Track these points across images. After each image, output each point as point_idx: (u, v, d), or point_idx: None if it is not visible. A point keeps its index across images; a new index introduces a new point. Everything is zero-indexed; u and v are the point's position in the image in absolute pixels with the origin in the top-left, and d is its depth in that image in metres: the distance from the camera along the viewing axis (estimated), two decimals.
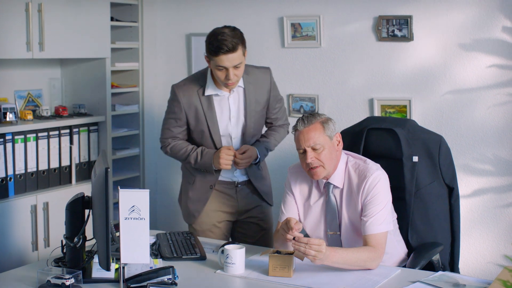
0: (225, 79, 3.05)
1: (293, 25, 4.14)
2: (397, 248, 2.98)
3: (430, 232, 3.09)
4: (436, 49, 3.75)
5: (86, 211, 2.66)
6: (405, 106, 3.81)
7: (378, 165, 2.81)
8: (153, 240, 3.05)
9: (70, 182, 4.15)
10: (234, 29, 3.05)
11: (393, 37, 3.84)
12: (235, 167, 3.23)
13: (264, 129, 3.44)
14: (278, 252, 2.68)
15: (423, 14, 3.76)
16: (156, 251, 2.95)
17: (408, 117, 3.80)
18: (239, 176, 3.34)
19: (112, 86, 4.36)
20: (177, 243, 3.07)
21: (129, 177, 4.60)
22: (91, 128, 4.23)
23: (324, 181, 2.83)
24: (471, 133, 3.71)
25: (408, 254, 3.01)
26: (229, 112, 3.22)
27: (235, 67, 3.03)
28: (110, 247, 2.36)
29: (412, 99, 3.80)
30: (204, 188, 3.34)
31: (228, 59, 3.00)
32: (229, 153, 3.16)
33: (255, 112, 3.26)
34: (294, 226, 2.61)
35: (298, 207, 2.92)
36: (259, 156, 3.26)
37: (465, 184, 3.70)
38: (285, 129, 3.44)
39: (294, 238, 2.58)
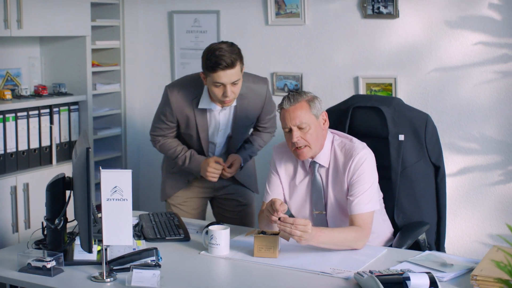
0: (222, 96, 2.99)
1: (276, 2, 4.10)
2: (383, 227, 2.97)
3: (416, 212, 3.09)
4: (422, 26, 3.72)
5: (67, 192, 2.61)
6: (390, 84, 3.79)
7: (364, 144, 2.78)
8: (136, 221, 3.02)
9: (51, 162, 4.10)
10: (232, 45, 3.00)
11: (378, 14, 3.81)
12: (222, 177, 3.25)
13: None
14: (263, 232, 2.65)
15: None
16: (139, 232, 2.92)
17: (393, 95, 3.79)
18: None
19: (93, 65, 4.30)
20: (160, 224, 3.03)
21: (110, 157, 4.55)
22: (72, 107, 4.17)
23: (310, 160, 2.80)
24: (457, 111, 3.69)
25: (394, 234, 3.00)
26: (218, 125, 3.20)
27: (233, 83, 2.97)
28: (92, 229, 2.32)
29: (398, 77, 3.79)
30: (182, 179, 3.36)
31: (226, 75, 2.94)
32: (217, 167, 3.18)
33: (244, 127, 3.26)
34: (279, 208, 2.58)
35: (283, 186, 2.89)
36: (242, 164, 3.28)
37: (451, 163, 3.69)
38: (271, 134, 3.43)
39: (279, 219, 2.55)
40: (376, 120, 3.07)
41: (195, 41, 4.40)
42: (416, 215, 3.08)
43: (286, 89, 4.14)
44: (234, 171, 3.24)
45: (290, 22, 4.08)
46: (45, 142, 4.06)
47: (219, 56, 2.91)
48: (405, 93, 3.77)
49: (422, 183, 3.09)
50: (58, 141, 4.10)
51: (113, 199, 2.35)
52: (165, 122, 3.23)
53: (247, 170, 3.41)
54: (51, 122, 4.05)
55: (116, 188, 2.34)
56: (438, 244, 3.18)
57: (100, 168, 2.34)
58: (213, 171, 3.17)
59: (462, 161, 3.71)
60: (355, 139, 2.80)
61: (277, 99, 4.02)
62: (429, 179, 3.12)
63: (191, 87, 3.16)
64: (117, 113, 4.58)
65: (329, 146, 2.79)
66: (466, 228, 3.76)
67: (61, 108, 4.10)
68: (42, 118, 4.01)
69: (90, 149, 2.30)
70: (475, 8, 3.60)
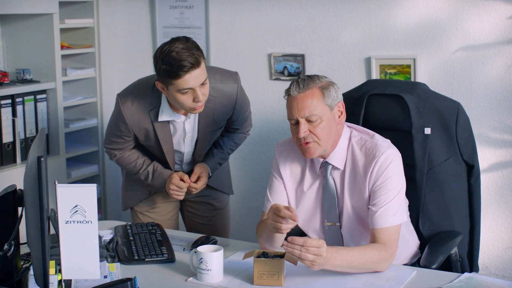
0: (193, 102, 2.67)
1: None
2: (409, 240, 2.66)
3: (445, 219, 2.83)
4: None
5: (20, 209, 2.19)
6: (408, 66, 3.53)
7: (389, 141, 2.47)
8: (110, 237, 2.70)
9: (15, 161, 3.83)
10: (187, 40, 2.65)
11: None
12: (189, 192, 3.02)
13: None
14: (264, 254, 2.31)
15: None
16: (113, 251, 2.57)
17: (412, 78, 3.52)
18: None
19: (62, 47, 4.05)
20: (139, 239, 2.70)
21: (85, 152, 4.28)
22: (39, 97, 3.92)
23: (321, 160, 2.48)
24: (488, 97, 3.41)
25: (420, 246, 2.73)
26: (183, 135, 2.94)
27: (202, 84, 2.66)
28: (47, 261, 1.93)
29: (417, 57, 3.51)
30: (140, 191, 3.14)
31: (193, 77, 2.61)
32: (181, 186, 2.94)
33: (212, 133, 2.98)
34: (286, 214, 2.26)
35: (288, 193, 2.57)
36: (211, 174, 3.06)
37: (481, 157, 3.32)
38: (246, 134, 3.19)
39: (286, 239, 2.18)
40: (396, 111, 2.81)
41: (180, 18, 4.14)
42: (445, 223, 2.82)
43: (286, 73, 3.85)
44: (202, 186, 3.00)
45: None
46: (7, 138, 3.80)
47: (179, 57, 2.59)
48: (426, 76, 3.50)
49: (452, 185, 2.83)
50: (22, 136, 3.86)
51: (74, 222, 1.97)
52: (120, 137, 2.94)
53: (220, 172, 3.16)
54: (14, 114, 3.80)
55: (77, 207, 1.97)
56: (471, 256, 2.92)
57: (56, 183, 1.94)
58: (176, 188, 2.93)
59: (494, 155, 3.43)
60: (377, 136, 2.49)
61: (275, 85, 3.86)
62: (460, 180, 2.86)
63: (147, 97, 2.84)
64: (92, 102, 4.31)
65: (345, 143, 2.47)
66: (498, 233, 3.48)
67: (25, 98, 3.85)
68: (2, 110, 3.74)
69: (42, 159, 1.89)
70: None
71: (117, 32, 4.37)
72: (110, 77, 4.35)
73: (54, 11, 3.86)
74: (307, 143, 2.38)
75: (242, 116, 3.04)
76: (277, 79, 3.84)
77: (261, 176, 3.95)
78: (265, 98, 3.87)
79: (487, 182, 3.43)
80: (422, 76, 3.49)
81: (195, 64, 2.59)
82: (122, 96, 2.87)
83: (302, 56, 3.79)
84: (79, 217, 1.96)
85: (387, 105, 2.83)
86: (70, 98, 4.17)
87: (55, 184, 1.94)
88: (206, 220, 3.20)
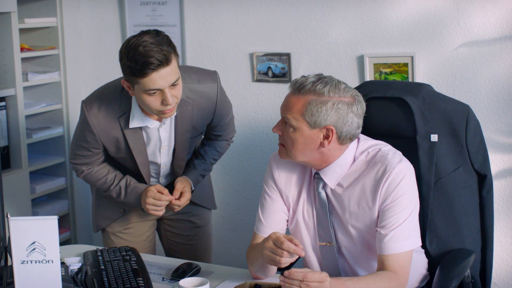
0: (161, 105, 2.47)
1: None
2: (418, 262, 2.48)
3: (455, 236, 2.68)
4: None
5: None
6: (406, 65, 3.41)
7: (400, 153, 2.29)
8: (78, 266, 2.47)
9: None
10: (158, 33, 2.45)
11: None
12: (170, 209, 2.82)
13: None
14: (257, 287, 2.10)
15: None
16: (81, 284, 2.32)
17: (409, 78, 3.39)
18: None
19: (22, 49, 3.94)
20: (111, 267, 2.46)
21: (51, 164, 4.12)
22: None
23: (314, 170, 2.31)
24: (494, 97, 3.28)
25: (429, 267, 2.57)
26: (159, 143, 2.74)
27: (172, 85, 2.46)
28: None
29: (415, 55, 3.38)
30: (114, 209, 2.94)
31: (161, 77, 2.41)
32: (160, 198, 2.72)
33: (191, 140, 2.80)
34: (290, 248, 2.05)
35: (288, 210, 2.39)
36: (193, 188, 2.86)
37: None
38: (229, 142, 3.03)
39: (282, 273, 1.98)
40: (399, 116, 2.66)
41: (152, 16, 4.03)
42: (455, 240, 2.67)
43: (270, 74, 3.69)
44: (186, 202, 2.79)
45: None
46: None
47: (146, 53, 2.38)
48: (425, 76, 3.37)
49: (462, 197, 2.68)
50: None
51: (31, 262, 1.77)
52: (87, 149, 2.73)
53: (201, 185, 2.98)
54: None
55: (35, 244, 1.74)
56: (483, 276, 2.77)
57: (8, 216, 1.68)
58: (153, 202, 2.71)
59: (502, 160, 3.30)
60: (386, 148, 2.31)
61: (258, 87, 3.72)
62: (471, 192, 2.72)
63: (115, 101, 2.64)
64: (57, 108, 4.18)
65: (347, 160, 2.28)
66: (508, 247, 3.34)
67: None
68: None
69: None
70: None
71: (83, 32, 4.25)
72: (76, 82, 4.23)
73: (12, 9, 3.73)
74: (279, 143, 2.29)
75: (224, 121, 2.86)
76: (260, 80, 3.70)
77: (244, 187, 3.79)
78: (247, 102, 3.71)
79: (494, 191, 3.20)
80: (420, 75, 3.38)
81: (164, 62, 2.39)
82: (88, 103, 2.66)
83: (288, 55, 3.65)
84: (37, 256, 1.76)
85: (388, 109, 2.68)
86: (32, 106, 4.05)
87: (7, 217, 1.67)
88: (186, 239, 3.00)
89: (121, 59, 2.46)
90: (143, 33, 2.43)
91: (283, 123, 2.22)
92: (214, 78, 2.74)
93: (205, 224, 3.05)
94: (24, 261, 1.71)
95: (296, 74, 3.50)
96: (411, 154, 2.57)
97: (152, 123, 2.63)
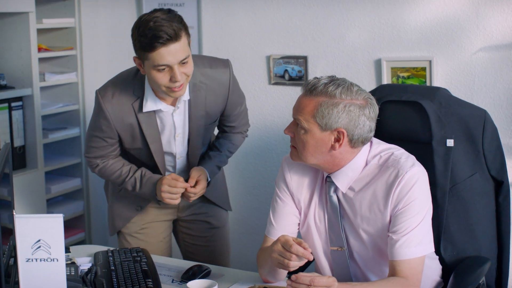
0: (169, 82, 2.49)
1: None
2: (431, 267, 2.44)
3: (470, 243, 2.65)
4: None
5: None
6: (423, 69, 3.37)
7: (413, 158, 2.25)
8: (88, 266, 2.48)
9: None
10: (169, 11, 2.48)
11: None
12: (184, 200, 2.80)
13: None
14: None
15: None
16: (91, 284, 2.31)
17: (427, 83, 3.35)
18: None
19: (40, 49, 3.93)
20: (121, 268, 2.45)
21: (67, 165, 4.13)
22: (14, 104, 3.80)
23: (325, 174, 2.29)
24: None
25: (443, 274, 2.53)
26: (173, 129, 2.73)
27: (182, 63, 2.48)
28: None
29: (433, 59, 3.35)
30: (129, 207, 2.92)
31: (170, 52, 2.43)
32: (176, 186, 2.70)
33: (204, 128, 2.78)
34: (299, 251, 2.03)
35: (299, 213, 2.36)
36: (209, 179, 2.83)
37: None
38: (243, 135, 3.02)
39: (289, 277, 1.96)
40: (414, 120, 2.64)
41: None
42: (470, 247, 2.63)
43: (286, 77, 3.67)
44: (200, 191, 2.77)
45: None
46: None
47: (156, 28, 2.41)
48: (443, 81, 3.34)
49: (478, 204, 2.65)
50: None
51: (36, 260, 1.74)
52: (102, 139, 2.73)
53: (217, 184, 2.98)
54: None
55: (40, 242, 1.74)
56: (499, 284, 2.72)
57: (14, 213, 1.68)
58: (169, 189, 2.68)
59: None
60: (399, 152, 2.27)
61: (275, 90, 3.70)
62: (487, 199, 2.68)
63: (129, 87, 2.66)
64: (73, 109, 4.18)
65: (359, 164, 2.25)
66: None
67: None
68: None
69: None
70: None
71: (101, 33, 4.25)
72: (93, 82, 4.19)
73: (30, 9, 3.74)
74: (291, 144, 2.28)
75: (237, 110, 2.86)
76: (277, 83, 3.68)
77: (259, 190, 3.77)
78: (263, 105, 3.69)
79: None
80: (439, 80, 3.34)
81: (173, 37, 2.41)
82: (101, 90, 2.69)
83: (305, 58, 3.63)
84: (42, 254, 1.74)
85: (403, 113, 2.65)
86: (49, 106, 4.05)
87: (12, 214, 1.66)
88: (204, 241, 2.98)
89: (132, 35, 2.49)
90: (155, 10, 2.47)
91: (295, 125, 2.21)
92: (226, 64, 2.76)
93: (222, 225, 3.03)
94: (29, 259, 1.71)
95: (312, 76, 3.51)
96: (426, 159, 2.55)
97: (165, 107, 2.64)
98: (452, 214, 2.61)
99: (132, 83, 2.64)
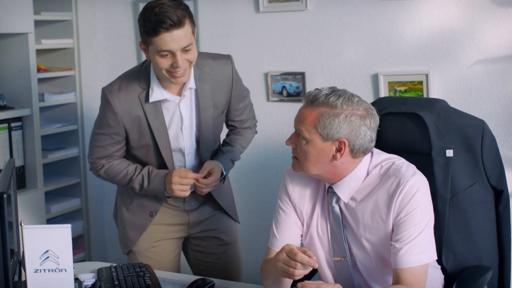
0: (171, 67, 2.54)
1: None
2: (434, 277, 2.43)
3: (471, 252, 2.64)
4: (460, 5, 3.30)
5: None
6: (420, 83, 3.39)
7: (414, 167, 2.25)
8: (92, 281, 2.47)
9: None
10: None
11: None
12: (197, 193, 2.78)
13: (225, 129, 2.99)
14: None
15: None
16: None
17: (424, 96, 3.37)
18: (191, 201, 2.89)
19: (39, 70, 3.95)
20: (125, 284, 2.43)
21: (66, 185, 4.13)
22: (13, 124, 3.80)
23: (327, 184, 2.29)
24: (510, 114, 3.25)
25: (446, 283, 2.53)
26: (180, 121, 2.73)
27: (184, 50, 2.52)
28: None
29: (430, 72, 3.37)
30: (142, 215, 2.89)
31: (173, 38, 2.48)
32: (186, 176, 2.68)
33: (213, 119, 2.78)
34: (304, 259, 2.02)
35: (302, 225, 2.36)
36: (224, 173, 2.82)
37: None
38: (253, 130, 3.01)
39: (294, 284, 1.99)
40: (414, 131, 2.64)
41: None
42: (472, 256, 2.63)
43: (284, 93, 3.69)
44: (212, 183, 2.75)
45: (288, 7, 3.67)
46: None
47: (160, 13, 2.47)
48: (440, 94, 3.36)
49: (478, 213, 2.64)
50: None
51: (45, 270, 1.76)
52: (109, 136, 2.73)
53: (227, 192, 2.96)
54: None
55: (48, 253, 1.74)
56: None
57: (22, 224, 1.67)
58: (179, 181, 2.66)
59: None
60: (401, 161, 2.28)
61: (273, 107, 3.73)
62: (487, 208, 2.68)
63: (135, 80, 2.70)
64: (72, 129, 4.19)
65: (360, 174, 2.25)
66: None
67: None
68: None
69: (5, 195, 1.61)
70: None
71: (99, 53, 4.27)
72: (91, 102, 4.21)
73: (29, 30, 3.76)
74: (293, 155, 2.28)
75: (243, 103, 2.91)
76: (275, 100, 3.69)
77: (258, 207, 3.77)
78: (262, 121, 3.70)
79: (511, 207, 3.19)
80: (435, 93, 3.35)
81: (177, 24, 2.46)
82: (108, 86, 2.74)
83: (302, 74, 3.64)
84: (51, 265, 1.75)
85: (403, 124, 2.66)
86: (48, 126, 4.06)
87: (20, 225, 1.67)
88: (215, 258, 2.95)
89: (139, 20, 2.54)
90: None
91: (297, 136, 2.22)
92: (227, 57, 2.81)
93: (234, 241, 3.00)
94: (37, 269, 1.71)
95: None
96: (426, 169, 2.52)
97: (171, 97, 2.66)
98: (453, 224, 2.60)
99: (138, 77, 2.67)
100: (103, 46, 4.25)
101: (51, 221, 3.94)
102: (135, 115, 2.66)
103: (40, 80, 3.92)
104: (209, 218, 2.91)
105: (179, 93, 2.66)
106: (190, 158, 2.77)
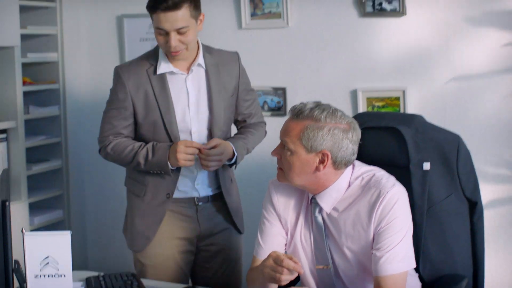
0: (165, 45, 2.67)
1: (252, 0, 3.76)
2: (412, 285, 2.48)
3: (447, 261, 2.67)
4: (436, 25, 3.39)
5: None
6: (397, 98, 3.46)
7: (393, 178, 2.32)
8: None
9: None
10: None
11: (380, 12, 3.49)
12: (203, 168, 2.75)
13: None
14: None
15: None
16: None
17: (401, 111, 3.45)
18: (201, 189, 2.85)
19: (24, 83, 3.96)
20: None
21: (49, 197, 4.14)
22: None
23: (310, 195, 2.35)
24: (483, 130, 3.35)
25: None
26: (187, 97, 2.77)
27: (179, 31, 2.63)
28: None
29: (407, 89, 3.45)
30: (159, 199, 2.83)
31: (167, 19, 2.61)
32: (191, 145, 2.69)
33: (223, 101, 2.81)
34: (290, 265, 2.09)
35: (286, 234, 2.41)
36: (236, 154, 2.80)
37: None
38: (263, 128, 3.02)
39: None
40: (392, 145, 2.67)
41: None
42: (448, 265, 2.67)
43: (266, 108, 3.75)
44: (216, 156, 2.71)
45: (270, 25, 3.74)
46: None
47: None
48: (416, 109, 3.42)
49: (454, 224, 2.68)
50: None
51: (45, 276, 1.80)
52: (117, 110, 2.78)
53: (236, 198, 2.97)
54: None
55: (48, 259, 1.77)
56: None
57: (23, 231, 1.72)
58: (184, 150, 2.66)
59: (491, 191, 3.33)
60: (380, 173, 2.34)
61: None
62: (462, 219, 2.71)
63: (144, 59, 2.83)
64: (56, 141, 4.21)
65: (342, 186, 2.32)
66: (499, 276, 3.37)
67: None
68: None
69: (7, 203, 1.67)
70: (503, 0, 3.26)
71: (83, 67, 4.28)
72: (75, 116, 4.25)
73: (15, 44, 3.76)
74: (278, 166, 2.32)
75: (251, 96, 2.95)
76: None
77: (247, 219, 3.75)
78: None
79: (485, 220, 3.26)
80: (412, 109, 3.42)
81: (173, 6, 2.58)
82: (120, 65, 2.88)
83: (283, 89, 3.71)
84: (50, 271, 1.81)
85: (382, 138, 2.70)
86: (32, 138, 4.06)
87: (22, 232, 1.73)
88: (220, 274, 2.95)
89: None
90: None
91: (282, 147, 2.28)
92: (234, 53, 2.93)
93: (238, 258, 2.99)
94: (37, 275, 1.76)
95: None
96: (404, 182, 2.52)
97: (177, 70, 2.75)
98: (429, 234, 2.62)
99: (148, 55, 2.81)
100: (87, 61, 4.26)
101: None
102: (143, 88, 2.75)
103: (25, 93, 3.89)
104: (219, 233, 2.90)
105: (188, 69, 2.75)
106: (196, 139, 2.77)
